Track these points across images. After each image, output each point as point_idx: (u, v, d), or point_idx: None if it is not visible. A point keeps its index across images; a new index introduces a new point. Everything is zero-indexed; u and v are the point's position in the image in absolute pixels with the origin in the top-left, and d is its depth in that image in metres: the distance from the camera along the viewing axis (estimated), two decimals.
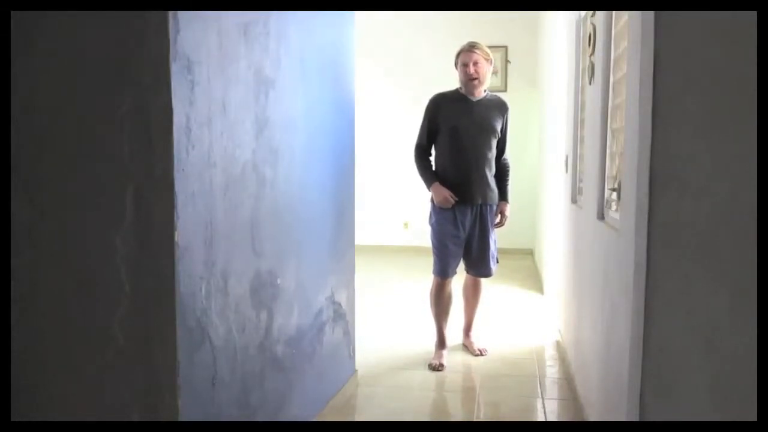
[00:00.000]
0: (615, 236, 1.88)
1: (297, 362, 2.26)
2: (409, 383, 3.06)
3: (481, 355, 3.44)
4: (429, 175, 3.30)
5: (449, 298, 3.41)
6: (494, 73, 6.87)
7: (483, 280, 3.49)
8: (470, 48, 3.21)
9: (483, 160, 3.24)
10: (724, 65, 1.46)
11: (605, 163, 2.23)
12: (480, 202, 3.25)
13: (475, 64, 3.19)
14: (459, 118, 3.22)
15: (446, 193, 3.20)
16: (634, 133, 1.56)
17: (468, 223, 3.26)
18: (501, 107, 3.31)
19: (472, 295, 3.53)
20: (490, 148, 3.25)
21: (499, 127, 3.26)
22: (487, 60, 3.23)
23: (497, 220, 3.35)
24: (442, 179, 3.26)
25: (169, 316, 1.49)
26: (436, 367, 3.23)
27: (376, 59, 6.82)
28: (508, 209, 3.37)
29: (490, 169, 3.28)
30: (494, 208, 3.32)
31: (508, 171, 3.41)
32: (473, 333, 3.59)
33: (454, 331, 3.54)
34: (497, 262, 3.40)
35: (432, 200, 3.31)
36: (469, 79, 3.21)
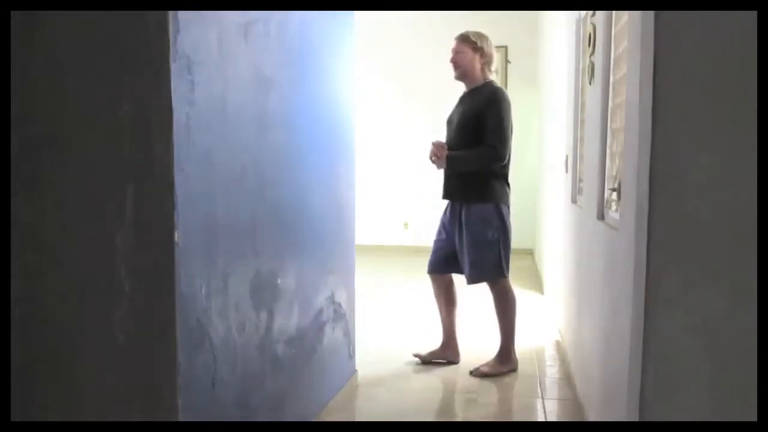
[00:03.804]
0: (615, 236, 1.88)
1: (297, 362, 2.26)
2: (409, 383, 3.06)
3: (478, 375, 3.12)
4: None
5: (444, 295, 3.30)
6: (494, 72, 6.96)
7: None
8: (455, 39, 3.19)
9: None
10: (724, 66, 1.46)
11: (605, 163, 2.23)
12: (456, 200, 3.12)
13: (456, 53, 3.15)
14: (451, 112, 3.24)
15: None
16: (634, 133, 1.56)
17: (449, 223, 3.17)
18: (486, 97, 3.04)
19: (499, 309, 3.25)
20: (465, 144, 3.04)
21: (475, 120, 3.02)
22: (474, 49, 3.12)
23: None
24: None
25: (169, 316, 1.49)
26: (417, 355, 3.27)
27: (376, 59, 6.82)
28: (446, 153, 3.05)
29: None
30: (477, 212, 3.04)
31: (478, 152, 3.00)
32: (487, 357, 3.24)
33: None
34: (490, 277, 3.12)
35: None
36: (453, 68, 3.18)
